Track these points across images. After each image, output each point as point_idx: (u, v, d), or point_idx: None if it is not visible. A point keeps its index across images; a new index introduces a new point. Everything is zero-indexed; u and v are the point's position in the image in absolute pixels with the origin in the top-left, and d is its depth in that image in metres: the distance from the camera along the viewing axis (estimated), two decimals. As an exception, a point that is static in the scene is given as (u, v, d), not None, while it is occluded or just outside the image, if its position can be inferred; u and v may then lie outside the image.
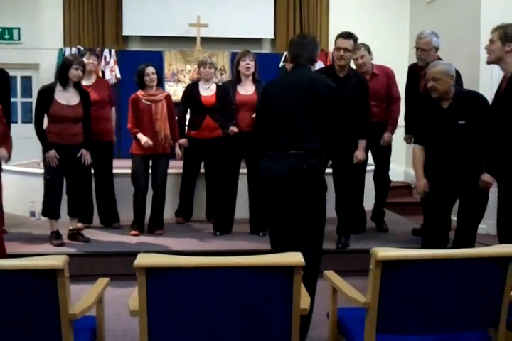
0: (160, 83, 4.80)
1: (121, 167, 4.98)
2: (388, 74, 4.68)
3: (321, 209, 2.88)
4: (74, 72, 4.14)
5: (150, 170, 4.65)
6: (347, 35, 3.98)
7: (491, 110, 3.35)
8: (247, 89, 4.54)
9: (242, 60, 4.52)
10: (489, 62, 3.27)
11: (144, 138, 4.49)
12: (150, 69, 4.53)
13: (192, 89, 4.97)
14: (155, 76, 4.55)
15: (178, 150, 4.87)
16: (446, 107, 3.49)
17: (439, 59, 4.23)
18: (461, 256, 1.85)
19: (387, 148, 4.76)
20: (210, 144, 4.88)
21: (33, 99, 7.24)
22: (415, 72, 4.48)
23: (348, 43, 3.94)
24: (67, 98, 4.14)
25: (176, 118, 4.86)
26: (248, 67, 4.50)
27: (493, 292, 1.90)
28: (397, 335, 1.93)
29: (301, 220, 2.81)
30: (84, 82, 4.61)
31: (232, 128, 4.42)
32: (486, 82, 5.27)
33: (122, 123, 5.43)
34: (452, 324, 1.92)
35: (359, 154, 4.09)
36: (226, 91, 4.58)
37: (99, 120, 4.57)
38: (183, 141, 4.92)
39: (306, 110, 2.81)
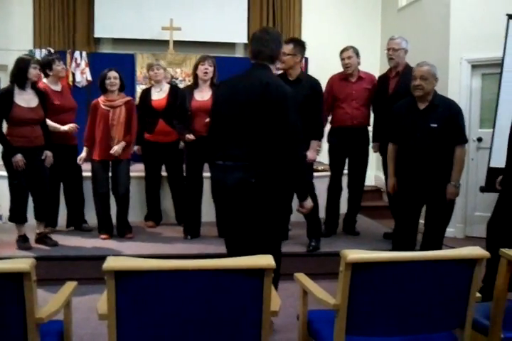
0: (127, 87, 4.75)
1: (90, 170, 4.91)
2: (372, 81, 4.77)
3: (273, 218, 2.78)
4: (33, 72, 4.08)
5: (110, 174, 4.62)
6: (288, 40, 4.04)
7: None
8: (203, 95, 4.53)
9: (201, 65, 4.51)
10: None
11: (82, 154, 4.54)
12: (112, 74, 4.49)
13: (145, 94, 4.99)
14: (116, 81, 4.50)
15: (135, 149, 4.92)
16: (422, 109, 3.57)
17: (408, 65, 4.36)
18: (429, 258, 1.89)
19: (365, 155, 4.78)
20: (167, 148, 4.87)
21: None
22: (384, 78, 4.59)
23: (286, 48, 3.96)
24: (27, 100, 4.07)
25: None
26: (206, 72, 4.49)
27: (460, 293, 1.94)
28: (366, 337, 1.95)
29: (253, 229, 2.75)
30: (54, 88, 4.59)
31: (187, 136, 4.45)
32: (455, 88, 5.38)
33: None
34: (420, 325, 1.95)
35: (310, 154, 4.02)
36: (183, 97, 4.60)
37: (66, 124, 4.54)
38: (135, 148, 4.93)
39: (256, 118, 2.63)
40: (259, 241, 2.75)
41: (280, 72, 4.47)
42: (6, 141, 4.04)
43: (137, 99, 5.59)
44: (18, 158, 4.00)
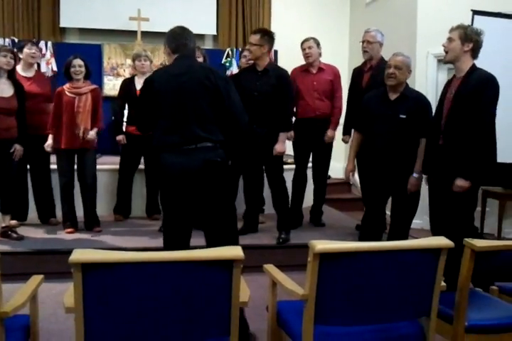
0: (94, 78, 4.67)
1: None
2: (335, 73, 4.81)
3: (232, 202, 2.90)
4: (3, 60, 3.97)
5: (76, 166, 4.53)
6: (255, 31, 4.16)
7: (435, 110, 3.47)
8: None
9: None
10: (446, 61, 3.38)
11: (48, 142, 4.42)
12: (77, 61, 4.41)
13: (128, 84, 4.90)
14: (82, 69, 4.42)
15: (119, 138, 4.86)
16: (393, 99, 3.62)
17: (382, 58, 4.39)
18: (396, 248, 1.92)
19: (329, 147, 4.83)
20: (149, 139, 4.79)
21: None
22: (359, 71, 4.62)
23: (253, 38, 4.04)
24: (0, 90, 3.97)
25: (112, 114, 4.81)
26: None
27: (426, 282, 1.98)
28: (334, 326, 1.97)
29: (214, 214, 2.76)
30: (24, 74, 4.48)
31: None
32: (422, 83, 5.47)
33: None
34: (387, 314, 1.98)
35: (278, 147, 4.10)
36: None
37: (39, 113, 4.44)
38: (120, 137, 4.86)
39: (206, 101, 2.75)
40: (226, 219, 2.80)
41: (249, 62, 4.49)
42: None
43: (105, 90, 5.50)
44: None
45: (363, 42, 4.50)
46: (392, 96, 3.64)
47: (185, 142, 2.70)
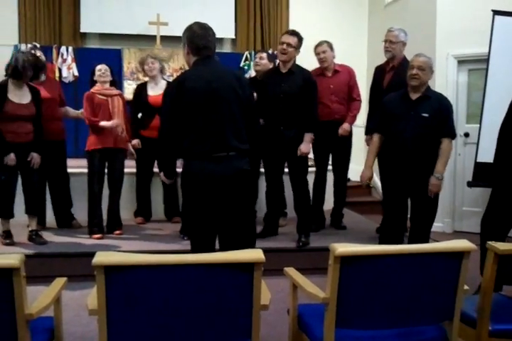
0: (116, 83, 4.69)
1: (78, 166, 4.89)
2: (350, 73, 4.78)
3: (253, 210, 2.92)
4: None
5: (106, 170, 4.56)
6: (292, 32, 4.14)
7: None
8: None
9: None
10: None
11: (109, 123, 4.37)
12: (102, 66, 4.47)
13: (140, 90, 4.91)
14: (107, 72, 4.48)
15: (131, 150, 4.77)
16: (414, 99, 3.60)
17: (405, 58, 4.35)
18: (417, 251, 1.90)
19: (347, 149, 4.82)
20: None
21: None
22: (381, 70, 4.58)
23: (291, 39, 4.06)
24: (19, 96, 4.04)
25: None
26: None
27: (448, 286, 1.96)
28: (355, 330, 1.96)
29: (235, 220, 2.73)
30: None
31: None
32: (442, 84, 5.41)
33: (80, 121, 5.31)
34: (409, 318, 1.96)
35: (303, 147, 4.11)
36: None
37: (51, 119, 4.47)
38: (135, 142, 4.84)
39: (237, 108, 2.70)
40: (246, 225, 2.79)
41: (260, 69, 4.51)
42: (2, 137, 3.98)
43: (126, 95, 5.56)
44: (12, 156, 3.98)
45: (385, 41, 4.44)
46: (414, 96, 3.61)
47: (217, 149, 2.64)
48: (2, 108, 3.96)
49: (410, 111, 3.59)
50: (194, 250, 2.78)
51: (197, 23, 2.81)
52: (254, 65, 4.84)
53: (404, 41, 4.45)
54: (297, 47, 4.08)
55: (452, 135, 3.64)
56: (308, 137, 4.13)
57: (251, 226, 2.85)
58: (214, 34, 2.81)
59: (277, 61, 4.49)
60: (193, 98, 2.64)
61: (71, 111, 4.86)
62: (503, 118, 3.44)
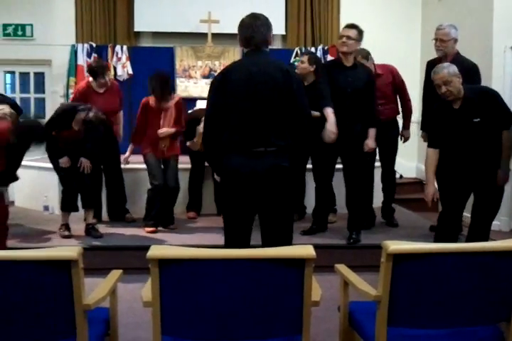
0: (172, 92, 4.79)
1: (131, 162, 5.00)
2: (393, 72, 4.69)
3: (292, 208, 2.85)
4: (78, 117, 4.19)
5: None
6: (351, 25, 4.10)
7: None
8: None
9: None
10: None
11: (126, 154, 4.72)
12: None
13: None
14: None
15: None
16: (457, 108, 3.47)
17: (458, 53, 4.22)
18: (473, 250, 1.86)
19: (394, 146, 4.78)
20: None
21: (46, 95, 7.31)
22: (434, 65, 4.45)
23: (351, 32, 4.02)
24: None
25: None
26: None
27: (506, 286, 1.90)
28: (407, 328, 1.93)
29: (273, 216, 2.71)
30: (98, 89, 4.73)
31: None
32: (499, 77, 5.23)
33: (134, 119, 5.43)
34: (463, 318, 1.92)
35: (370, 142, 4.09)
36: None
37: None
38: (189, 143, 4.98)
39: (279, 103, 2.63)
40: (287, 222, 2.77)
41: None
42: (55, 143, 4.18)
43: (182, 92, 5.62)
44: (65, 159, 4.20)
45: (436, 40, 4.28)
46: (456, 105, 3.46)
47: (255, 145, 2.62)
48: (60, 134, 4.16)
49: (458, 120, 3.45)
50: (227, 245, 2.78)
51: (250, 13, 2.76)
52: (296, 67, 4.75)
53: (456, 37, 4.25)
54: (358, 39, 4.04)
55: (509, 125, 3.49)
56: (372, 132, 4.11)
57: (287, 223, 2.79)
58: (264, 24, 2.70)
59: (328, 57, 4.44)
60: (233, 90, 2.62)
61: (119, 119, 5.04)
62: None
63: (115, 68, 6.94)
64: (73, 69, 6.91)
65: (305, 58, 4.74)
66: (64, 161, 4.20)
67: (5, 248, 3.62)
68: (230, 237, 2.79)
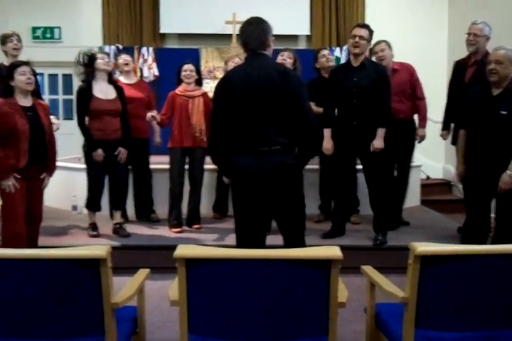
0: (201, 81, 4.79)
1: (159, 162, 5.04)
2: (410, 71, 4.65)
3: (303, 204, 2.84)
4: (101, 62, 4.22)
5: (187, 166, 4.68)
6: (362, 25, 4.12)
7: None
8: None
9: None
10: None
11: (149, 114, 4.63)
12: (188, 66, 4.57)
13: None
14: (192, 73, 4.57)
15: None
16: (495, 95, 3.44)
17: (488, 52, 4.17)
18: (502, 252, 1.83)
19: (411, 147, 4.72)
20: None
21: (74, 97, 7.41)
22: (462, 65, 4.41)
23: (363, 32, 4.01)
24: (104, 92, 4.22)
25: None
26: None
27: (536, 289, 1.87)
28: (435, 331, 1.91)
29: (285, 215, 2.77)
30: (126, 81, 4.73)
31: None
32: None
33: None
34: (493, 321, 1.89)
35: (377, 142, 4.02)
36: None
37: (136, 117, 4.62)
38: None
39: (279, 104, 2.68)
40: (298, 220, 2.81)
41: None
42: (88, 134, 4.19)
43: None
44: (99, 152, 4.17)
45: (469, 34, 4.27)
46: (495, 92, 3.45)
47: (259, 144, 2.68)
48: (89, 105, 4.16)
49: (489, 108, 3.42)
50: (239, 246, 2.82)
51: (247, 19, 2.85)
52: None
53: (488, 35, 4.25)
54: (369, 39, 4.04)
55: None
56: (381, 132, 4.05)
57: (299, 221, 2.83)
58: (259, 28, 2.78)
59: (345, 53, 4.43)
60: (234, 94, 2.70)
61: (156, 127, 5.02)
62: None
63: (141, 69, 7.03)
64: (100, 70, 7.01)
65: (286, 53, 4.67)
66: (98, 154, 4.16)
67: (36, 246, 3.68)
68: (242, 238, 2.86)
